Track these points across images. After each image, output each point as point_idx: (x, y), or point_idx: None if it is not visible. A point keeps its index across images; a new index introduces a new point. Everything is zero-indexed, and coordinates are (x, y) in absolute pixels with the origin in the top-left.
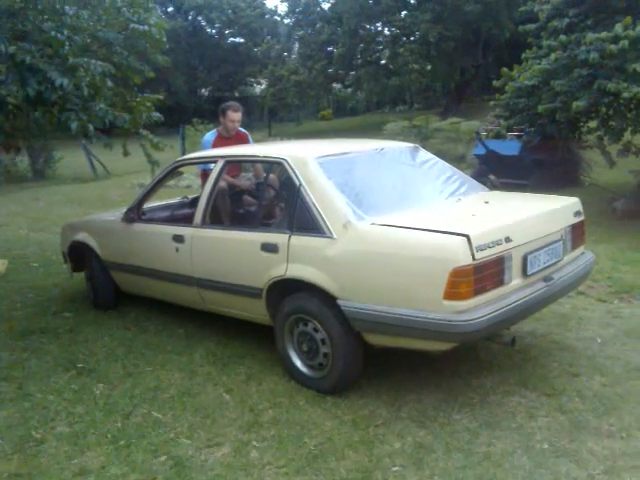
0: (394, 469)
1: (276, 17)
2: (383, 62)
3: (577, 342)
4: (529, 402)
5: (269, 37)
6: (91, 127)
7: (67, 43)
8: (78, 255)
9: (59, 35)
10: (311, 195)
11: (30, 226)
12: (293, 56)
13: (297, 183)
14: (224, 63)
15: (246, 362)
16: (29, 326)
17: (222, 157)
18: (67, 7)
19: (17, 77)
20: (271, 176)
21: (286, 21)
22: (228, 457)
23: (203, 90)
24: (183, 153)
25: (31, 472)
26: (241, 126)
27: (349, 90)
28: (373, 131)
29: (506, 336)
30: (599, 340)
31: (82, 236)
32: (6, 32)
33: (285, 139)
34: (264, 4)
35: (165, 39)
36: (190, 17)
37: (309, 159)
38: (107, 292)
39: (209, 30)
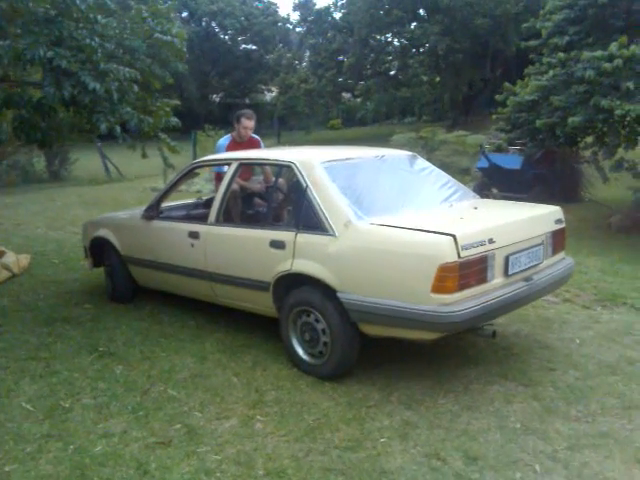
0: (382, 440)
1: (288, 25)
2: (392, 73)
3: (557, 342)
4: (507, 390)
5: (281, 45)
6: (118, 128)
7: (99, 50)
8: (98, 251)
9: (92, 42)
10: (316, 196)
11: (48, 225)
12: (304, 64)
13: (304, 185)
14: (236, 70)
15: (253, 351)
16: (53, 315)
17: (236, 160)
18: (99, 16)
19: (53, 80)
20: (280, 180)
21: (298, 29)
22: (235, 427)
23: (214, 96)
24: (194, 158)
25: (61, 434)
26: (255, 132)
27: (358, 100)
28: (380, 141)
29: (487, 329)
30: (577, 341)
31: (103, 232)
32: (43, 37)
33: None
34: (277, 12)
35: (185, 49)
36: (204, 23)
37: (315, 163)
38: (125, 286)
39: (222, 36)
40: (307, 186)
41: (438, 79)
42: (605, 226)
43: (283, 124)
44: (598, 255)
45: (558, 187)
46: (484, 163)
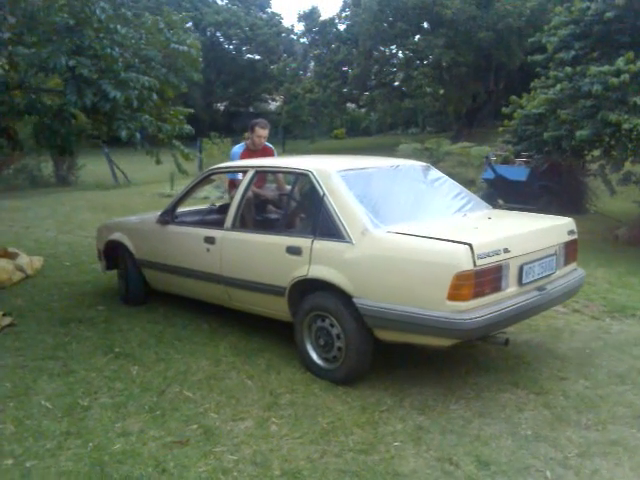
0: (395, 444)
1: (292, 36)
2: (396, 84)
3: (568, 351)
4: (519, 398)
5: (285, 55)
6: (138, 135)
7: (120, 59)
8: (111, 254)
9: (113, 52)
10: (333, 204)
11: (58, 229)
12: (308, 74)
13: (321, 193)
14: (240, 79)
15: (266, 355)
16: (67, 316)
17: (253, 167)
18: (119, 26)
19: (75, 89)
20: (296, 188)
21: (302, 40)
22: (251, 429)
23: (219, 105)
24: (200, 165)
25: (80, 431)
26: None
27: (363, 110)
28: (385, 152)
29: (500, 337)
30: (588, 351)
31: (118, 235)
32: (64, 46)
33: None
34: (281, 23)
35: (201, 59)
36: (209, 33)
37: (332, 172)
38: (138, 288)
39: (227, 46)
40: (324, 194)
41: (442, 91)
42: (612, 238)
43: (287, 133)
44: (606, 267)
45: (564, 199)
46: (490, 174)
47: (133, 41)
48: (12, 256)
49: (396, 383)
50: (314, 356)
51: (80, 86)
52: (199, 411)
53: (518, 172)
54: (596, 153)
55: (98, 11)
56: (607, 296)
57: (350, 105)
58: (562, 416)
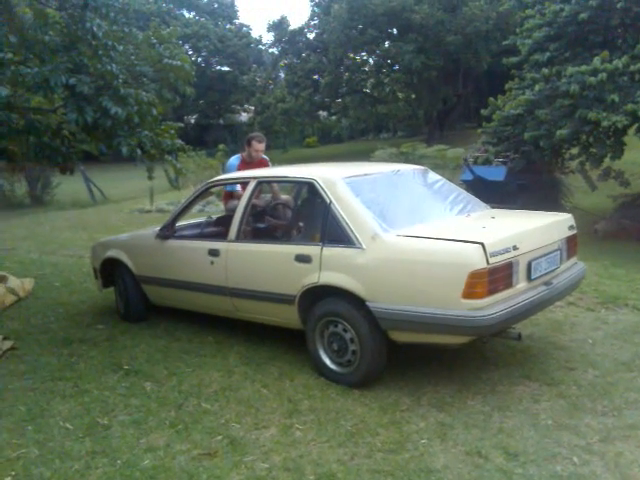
0: (422, 442)
1: (260, 46)
2: (368, 90)
3: (571, 343)
4: (533, 390)
5: (255, 65)
6: (139, 151)
7: (120, 75)
8: (107, 272)
9: (113, 68)
10: (341, 211)
11: (40, 249)
12: (279, 84)
13: (327, 201)
14: (210, 91)
15: (277, 363)
16: (68, 336)
17: (255, 178)
18: (116, 43)
19: (75, 106)
20: (285, 197)
21: (271, 50)
22: (276, 436)
23: (189, 117)
24: (176, 179)
25: (105, 450)
26: (232, 152)
27: (333, 118)
28: (361, 158)
29: (513, 332)
30: (590, 341)
31: (115, 253)
32: (63, 64)
33: (276, 165)
34: (249, 34)
35: (194, 72)
36: None
37: (337, 179)
38: (139, 305)
39: (196, 58)
40: (331, 202)
41: (413, 95)
42: (591, 232)
43: None
44: (591, 260)
45: (540, 196)
46: (468, 176)
47: (124, 57)
48: (1, 279)
49: (410, 383)
50: (327, 361)
51: (80, 104)
52: (221, 422)
53: (496, 172)
54: (574, 151)
55: (95, 28)
56: (598, 288)
57: (322, 113)
58: (578, 404)
